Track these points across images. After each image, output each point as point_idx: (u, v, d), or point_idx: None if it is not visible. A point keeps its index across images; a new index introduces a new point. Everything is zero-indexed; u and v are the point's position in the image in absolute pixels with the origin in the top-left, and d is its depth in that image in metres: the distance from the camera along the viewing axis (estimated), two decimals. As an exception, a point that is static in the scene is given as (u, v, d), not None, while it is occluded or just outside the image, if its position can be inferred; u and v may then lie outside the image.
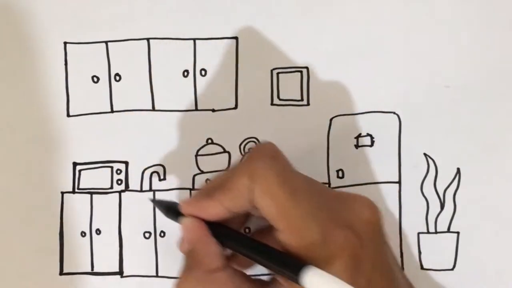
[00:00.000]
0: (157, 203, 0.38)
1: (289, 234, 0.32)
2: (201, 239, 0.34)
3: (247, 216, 0.37)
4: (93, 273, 0.40)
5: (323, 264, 0.31)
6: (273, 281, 0.33)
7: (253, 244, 0.33)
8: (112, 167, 0.40)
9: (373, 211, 0.34)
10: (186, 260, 0.35)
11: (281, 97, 0.40)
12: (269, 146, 0.34)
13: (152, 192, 0.40)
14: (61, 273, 0.40)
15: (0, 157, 0.40)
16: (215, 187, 0.34)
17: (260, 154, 0.33)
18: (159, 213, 0.40)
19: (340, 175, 0.40)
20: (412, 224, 0.40)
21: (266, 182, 0.32)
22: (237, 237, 0.34)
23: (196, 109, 0.40)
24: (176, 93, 0.40)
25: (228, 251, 0.35)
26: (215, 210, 0.34)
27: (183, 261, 0.35)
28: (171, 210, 0.36)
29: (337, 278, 0.28)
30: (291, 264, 0.30)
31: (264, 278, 0.37)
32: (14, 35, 0.40)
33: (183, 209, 0.35)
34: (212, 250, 0.34)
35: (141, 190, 0.40)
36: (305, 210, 0.32)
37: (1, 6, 0.40)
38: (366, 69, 0.40)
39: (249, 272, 0.36)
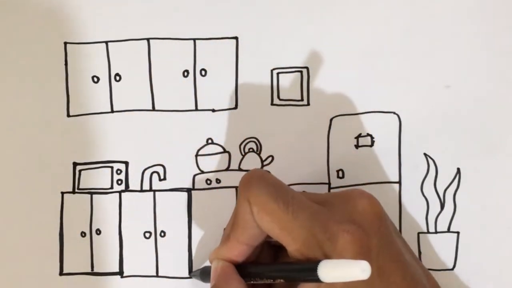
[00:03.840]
0: (193, 275, 0.39)
1: (295, 246, 0.32)
2: (224, 277, 0.35)
3: (275, 249, 0.37)
4: (93, 273, 0.40)
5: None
6: None
7: (273, 267, 0.34)
8: (112, 167, 0.40)
9: (372, 202, 0.34)
10: None
11: (281, 97, 0.40)
12: (256, 170, 0.35)
13: (152, 193, 0.40)
14: (61, 273, 0.40)
15: (0, 157, 0.40)
16: (229, 228, 0.35)
17: (250, 179, 0.34)
18: (159, 213, 0.40)
19: (340, 175, 0.40)
20: (412, 224, 0.40)
21: (262, 202, 0.33)
22: (257, 267, 0.35)
23: (196, 109, 0.40)
24: (176, 93, 0.40)
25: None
26: (236, 249, 0.35)
27: None
28: (206, 273, 0.37)
29: (349, 259, 0.29)
30: (306, 267, 0.31)
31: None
32: (14, 35, 0.40)
33: (210, 257, 0.36)
34: (234, 286, 0.34)
35: (141, 190, 0.40)
36: (303, 218, 0.32)
37: (1, 6, 0.40)
38: (366, 69, 0.40)
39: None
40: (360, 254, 0.32)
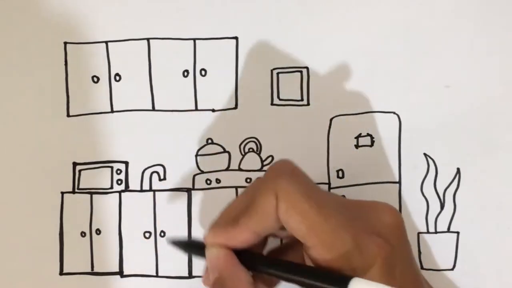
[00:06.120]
0: (176, 244, 0.36)
1: (322, 249, 0.31)
2: (230, 268, 0.32)
3: (266, 241, 0.36)
4: (93, 273, 0.40)
5: (360, 274, 0.30)
6: None
7: (288, 266, 0.32)
8: (112, 167, 0.40)
9: (396, 216, 0.34)
10: None
11: (281, 97, 0.40)
12: (287, 163, 0.34)
13: (152, 193, 0.40)
14: (61, 273, 0.40)
15: (0, 157, 0.40)
16: (238, 212, 0.33)
17: (280, 172, 0.33)
18: (159, 213, 0.40)
19: (340, 175, 0.40)
20: (412, 224, 0.40)
21: (293, 199, 0.31)
22: (267, 261, 0.33)
23: (196, 109, 0.40)
24: (176, 93, 0.40)
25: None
26: (243, 236, 0.32)
27: None
28: (193, 247, 0.35)
29: (383, 285, 0.28)
30: (335, 278, 0.30)
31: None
32: (14, 35, 0.40)
33: (209, 240, 0.33)
34: (243, 279, 0.32)
35: (141, 190, 0.40)
36: (335, 223, 0.31)
37: (1, 6, 0.40)
38: (366, 69, 0.40)
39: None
40: (384, 268, 0.31)
